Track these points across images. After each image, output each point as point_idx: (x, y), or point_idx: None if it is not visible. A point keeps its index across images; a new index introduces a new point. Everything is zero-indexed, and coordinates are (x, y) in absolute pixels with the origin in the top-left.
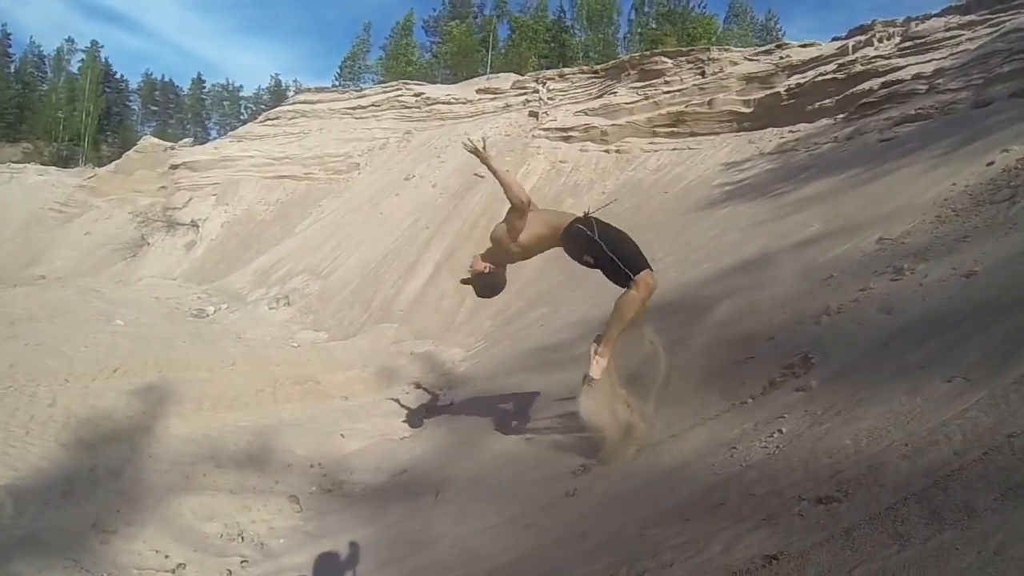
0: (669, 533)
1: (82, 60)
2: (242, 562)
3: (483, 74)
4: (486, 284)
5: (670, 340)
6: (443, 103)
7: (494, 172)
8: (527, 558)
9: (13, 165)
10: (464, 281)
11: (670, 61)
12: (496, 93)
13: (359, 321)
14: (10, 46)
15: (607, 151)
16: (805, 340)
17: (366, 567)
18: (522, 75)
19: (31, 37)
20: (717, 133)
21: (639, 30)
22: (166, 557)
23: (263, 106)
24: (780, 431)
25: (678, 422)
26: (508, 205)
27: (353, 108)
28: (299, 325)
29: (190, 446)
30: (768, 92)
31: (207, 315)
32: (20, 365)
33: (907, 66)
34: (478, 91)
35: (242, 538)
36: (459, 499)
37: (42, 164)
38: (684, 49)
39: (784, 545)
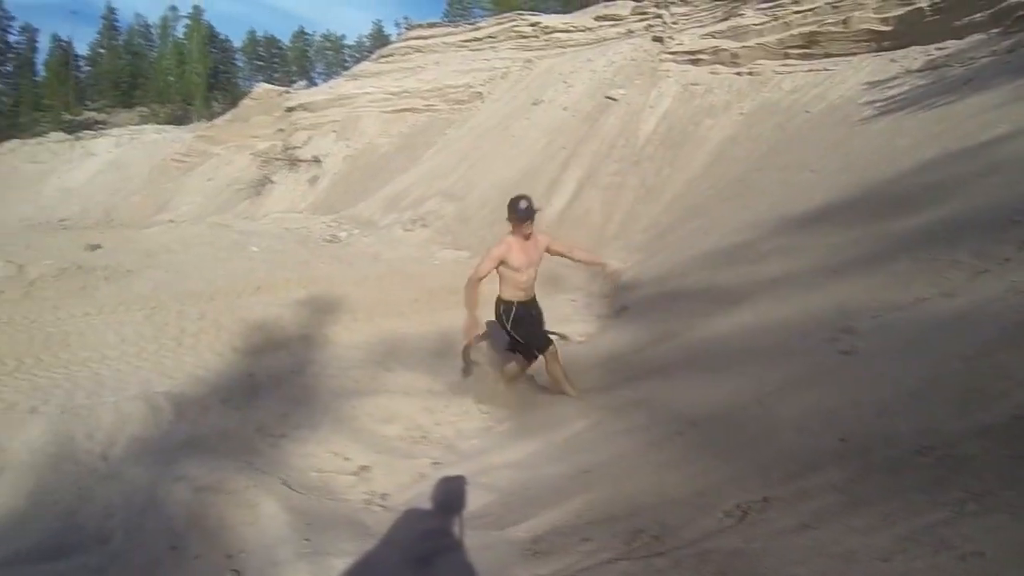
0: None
1: (187, 25)
2: (433, 463)
3: (595, 3)
4: None
5: (872, 232)
6: (561, 31)
7: None
8: (852, 410)
9: (132, 127)
10: None
11: None
12: (616, 19)
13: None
14: (116, 21)
15: (739, 73)
16: None
17: (629, 445)
18: (641, 0)
19: (136, 11)
20: (854, 53)
21: None
22: (346, 459)
23: (367, 52)
24: None
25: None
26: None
27: (468, 41)
28: (438, 245)
29: (353, 352)
30: (909, 8)
31: (340, 240)
32: (163, 288)
33: None
34: (596, 18)
35: (427, 440)
36: (690, 374)
37: (159, 125)
38: None
39: None
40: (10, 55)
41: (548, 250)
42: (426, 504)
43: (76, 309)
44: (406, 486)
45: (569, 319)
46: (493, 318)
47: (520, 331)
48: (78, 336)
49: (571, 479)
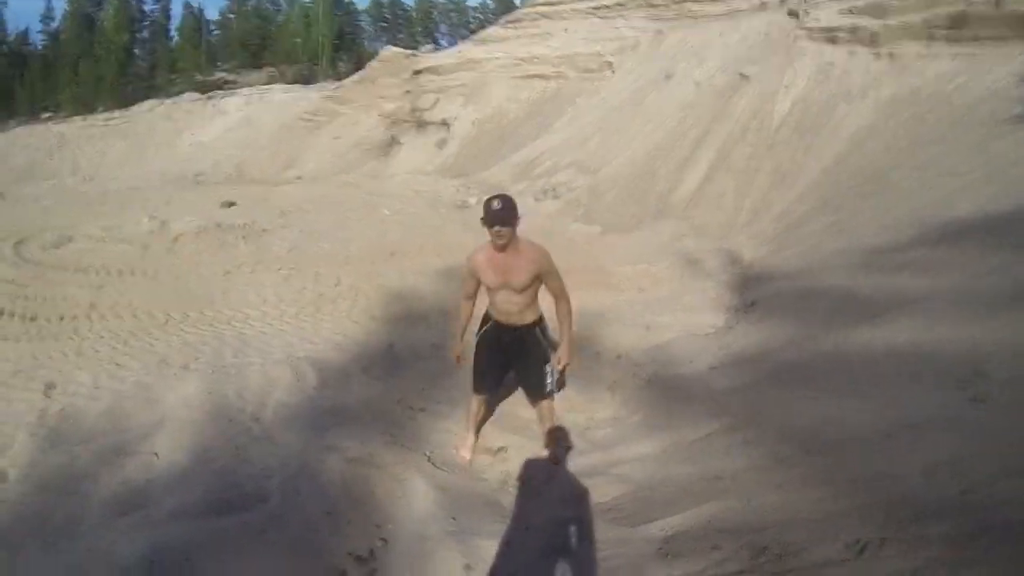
0: None
1: None
2: (566, 450)
3: None
4: None
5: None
6: (693, 1)
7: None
8: (979, 463)
9: (260, 87)
10: None
11: None
12: None
13: (635, 216)
14: None
15: (878, 55)
16: None
17: (759, 457)
18: None
19: None
20: (1007, 39)
21: None
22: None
23: (491, 16)
24: None
25: None
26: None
27: (597, 8)
28: (569, 218)
29: None
30: None
31: (471, 206)
32: (298, 249)
33: None
34: None
35: (562, 425)
36: (822, 390)
37: (286, 84)
38: None
39: None
40: (145, 23)
41: (540, 278)
42: (561, 490)
43: (217, 267)
44: (540, 470)
45: (697, 309)
46: None
47: (479, 358)
48: (221, 294)
49: (702, 482)
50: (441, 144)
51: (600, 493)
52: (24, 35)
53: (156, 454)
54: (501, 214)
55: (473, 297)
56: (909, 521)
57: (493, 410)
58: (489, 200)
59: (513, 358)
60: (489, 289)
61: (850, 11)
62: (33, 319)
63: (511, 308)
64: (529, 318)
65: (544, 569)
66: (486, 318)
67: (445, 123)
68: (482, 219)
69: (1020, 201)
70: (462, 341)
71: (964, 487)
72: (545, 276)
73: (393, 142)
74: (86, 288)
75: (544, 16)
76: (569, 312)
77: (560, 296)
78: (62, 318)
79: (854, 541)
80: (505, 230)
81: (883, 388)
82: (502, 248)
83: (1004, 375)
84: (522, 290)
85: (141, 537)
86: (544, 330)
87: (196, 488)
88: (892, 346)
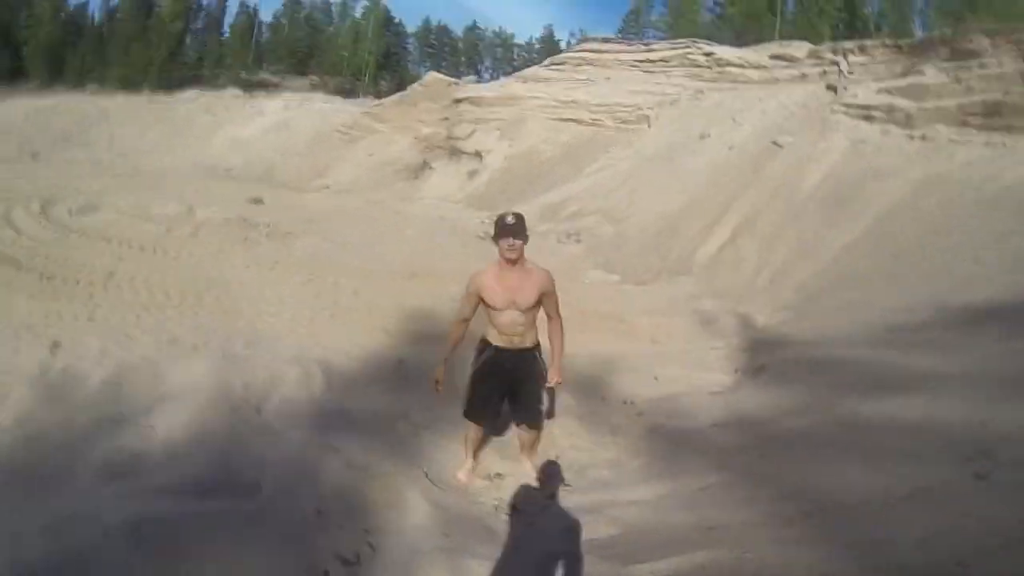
0: None
1: (365, 7)
2: (563, 485)
3: (770, 40)
4: None
5: None
6: (734, 66)
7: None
8: (976, 538)
9: (301, 94)
10: None
11: (987, 41)
12: (791, 61)
13: (654, 270)
14: None
15: (911, 136)
16: None
17: (756, 514)
18: (818, 44)
19: None
20: None
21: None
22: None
23: (535, 55)
24: None
25: None
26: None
27: (641, 61)
28: (590, 264)
29: None
30: None
31: None
32: (320, 256)
33: None
34: (771, 56)
35: (560, 460)
36: (826, 456)
37: (327, 95)
38: (1004, 27)
39: None
40: (201, 13)
41: (540, 299)
42: (554, 522)
43: (238, 259)
44: (535, 500)
45: (707, 367)
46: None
47: (481, 388)
48: (238, 286)
49: (697, 531)
50: (472, 175)
51: (593, 530)
52: (84, 6)
53: (154, 428)
54: (514, 227)
55: (469, 320)
56: None
57: (492, 436)
58: (502, 215)
59: (512, 384)
60: (494, 310)
61: (888, 91)
62: (50, 278)
63: (516, 329)
64: (529, 341)
65: None
66: (484, 346)
67: (478, 154)
68: (493, 234)
69: None
70: (445, 365)
71: (959, 559)
72: (548, 296)
73: (425, 166)
74: (106, 257)
75: (588, 63)
76: (563, 333)
77: (557, 316)
78: (78, 282)
79: None
80: (517, 243)
81: (887, 458)
82: (512, 263)
83: (1008, 455)
84: (527, 310)
85: (129, 505)
86: (541, 354)
87: (190, 467)
88: (900, 419)
